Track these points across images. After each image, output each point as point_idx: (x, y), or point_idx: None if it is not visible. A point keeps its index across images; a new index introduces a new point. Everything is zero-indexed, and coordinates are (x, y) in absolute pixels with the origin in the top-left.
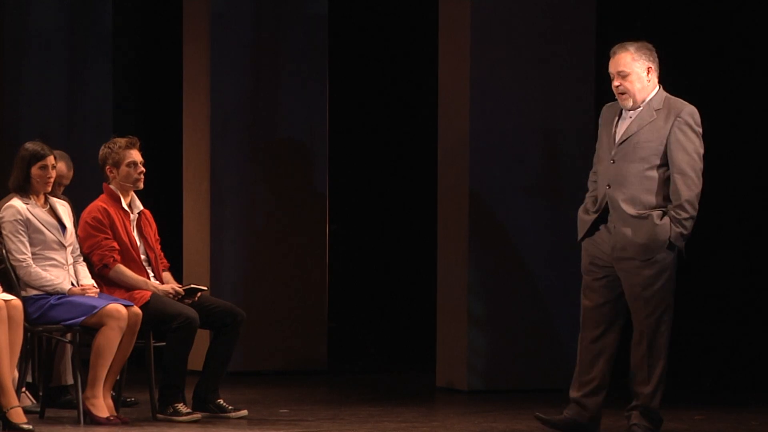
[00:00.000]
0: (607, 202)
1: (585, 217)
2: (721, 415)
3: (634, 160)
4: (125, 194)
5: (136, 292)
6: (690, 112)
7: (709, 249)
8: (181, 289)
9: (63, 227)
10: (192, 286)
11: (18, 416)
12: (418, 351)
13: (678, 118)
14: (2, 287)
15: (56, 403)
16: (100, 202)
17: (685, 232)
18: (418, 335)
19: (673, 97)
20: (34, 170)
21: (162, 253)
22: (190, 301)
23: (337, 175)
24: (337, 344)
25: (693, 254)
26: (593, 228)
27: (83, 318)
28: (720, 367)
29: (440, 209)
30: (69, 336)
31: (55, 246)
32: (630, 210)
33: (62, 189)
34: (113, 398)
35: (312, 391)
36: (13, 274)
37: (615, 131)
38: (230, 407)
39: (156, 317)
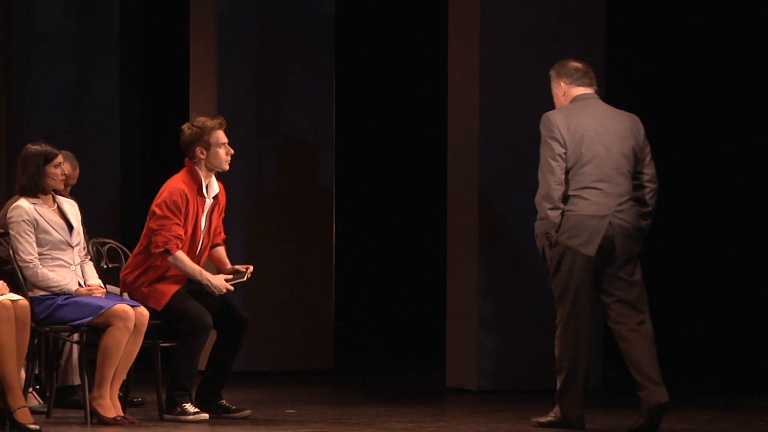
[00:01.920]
0: None
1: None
2: (727, 416)
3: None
4: (207, 176)
5: (159, 288)
6: (541, 119)
7: (715, 250)
8: (230, 287)
9: (70, 227)
10: (236, 276)
11: (25, 416)
12: (425, 351)
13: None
14: (9, 288)
15: (63, 403)
16: (182, 184)
17: (537, 232)
18: (426, 335)
19: (558, 108)
20: (50, 169)
21: (222, 227)
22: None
23: (344, 174)
24: (343, 344)
25: (698, 255)
26: None
27: (90, 318)
28: (726, 368)
29: (449, 209)
30: (76, 336)
31: (63, 246)
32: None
33: (69, 189)
34: (120, 398)
35: (318, 391)
36: (20, 275)
37: None
38: (233, 407)
39: (174, 315)
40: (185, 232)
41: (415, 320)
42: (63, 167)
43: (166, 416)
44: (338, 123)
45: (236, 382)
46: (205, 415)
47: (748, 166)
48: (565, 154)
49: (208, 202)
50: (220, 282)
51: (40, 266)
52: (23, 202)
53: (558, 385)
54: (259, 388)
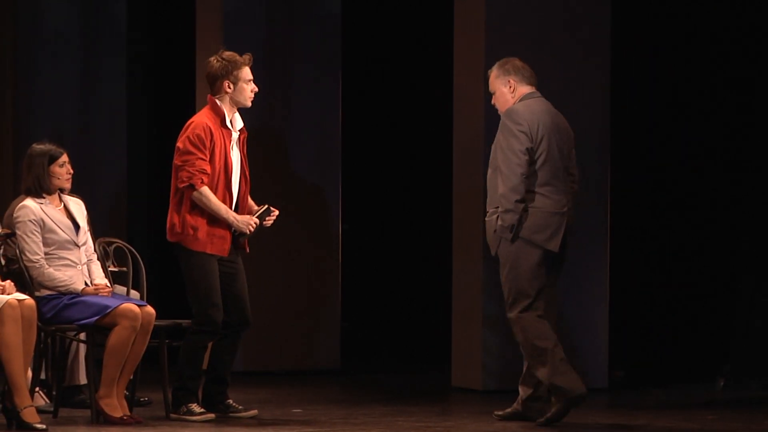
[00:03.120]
0: None
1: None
2: (734, 415)
3: (489, 166)
4: (231, 111)
5: (218, 233)
6: (507, 112)
7: (727, 250)
8: (256, 220)
9: (77, 227)
10: (263, 210)
11: (32, 416)
12: (431, 351)
13: (501, 120)
14: (16, 287)
15: (70, 402)
16: (204, 119)
17: (504, 225)
18: (432, 335)
19: (520, 102)
20: (55, 168)
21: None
22: (266, 224)
23: (350, 174)
24: (350, 344)
25: (707, 256)
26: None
27: (96, 318)
28: (733, 368)
29: (455, 209)
30: (82, 336)
31: (69, 246)
32: (488, 211)
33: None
34: (127, 398)
35: (325, 390)
36: (26, 275)
37: None
38: (240, 407)
39: (193, 292)
40: (215, 168)
41: (420, 320)
42: (68, 166)
43: (173, 416)
44: (344, 122)
45: (243, 382)
46: (212, 415)
47: (761, 162)
48: (530, 149)
49: (235, 135)
50: (246, 219)
51: (47, 266)
52: (29, 202)
53: (546, 371)
54: (265, 388)
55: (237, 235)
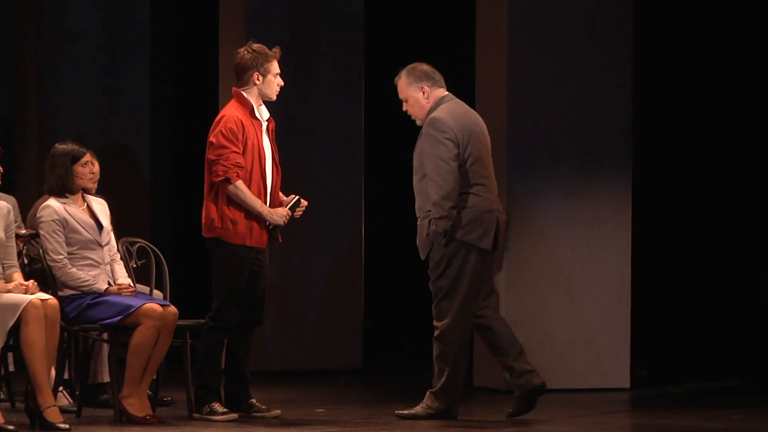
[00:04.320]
0: None
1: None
2: (759, 416)
3: (415, 173)
4: (257, 103)
5: (256, 226)
6: (431, 121)
7: (752, 249)
8: (289, 212)
9: (100, 226)
10: (294, 201)
11: (55, 415)
12: None
13: (424, 131)
14: (39, 287)
15: (93, 402)
16: (234, 112)
17: (438, 230)
18: None
19: (438, 109)
20: (78, 168)
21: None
22: (296, 215)
23: (373, 174)
24: (372, 343)
25: (731, 254)
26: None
27: (120, 317)
28: (756, 368)
29: None
30: (105, 335)
31: (92, 246)
32: (418, 216)
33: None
34: (150, 397)
35: (348, 390)
36: (49, 274)
37: None
38: (263, 407)
39: (219, 281)
40: (249, 160)
41: None
42: (91, 166)
43: (195, 415)
44: (367, 122)
45: (266, 382)
46: (234, 415)
47: None
48: (458, 155)
49: (264, 124)
50: (280, 212)
51: (70, 265)
52: (53, 202)
53: (442, 380)
54: (288, 388)
55: (271, 228)
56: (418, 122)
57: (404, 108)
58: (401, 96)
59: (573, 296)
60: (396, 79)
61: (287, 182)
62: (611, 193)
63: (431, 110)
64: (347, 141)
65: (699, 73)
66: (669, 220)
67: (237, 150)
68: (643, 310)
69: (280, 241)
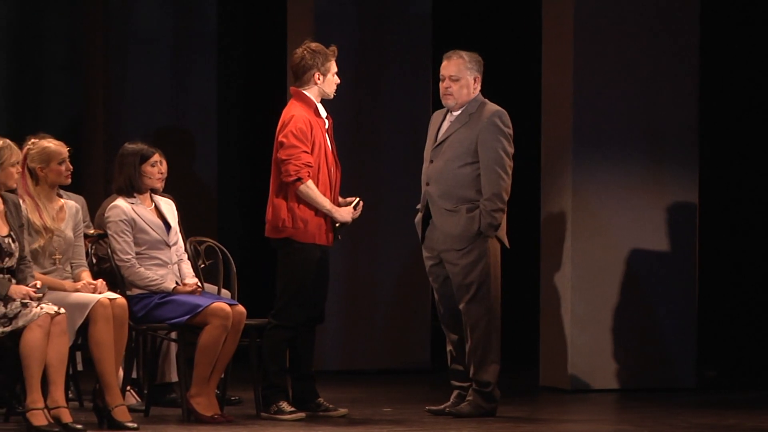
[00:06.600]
0: (427, 200)
1: (417, 218)
2: None
3: (449, 159)
4: (317, 101)
5: (326, 225)
6: (498, 114)
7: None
8: (353, 210)
9: (168, 226)
10: (355, 201)
11: (123, 414)
12: (519, 350)
13: (487, 120)
14: (108, 286)
15: (161, 401)
16: (301, 111)
17: (494, 223)
18: (520, 334)
19: (489, 102)
20: (147, 168)
21: None
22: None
23: None
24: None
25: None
26: (425, 225)
27: (188, 317)
28: None
29: (543, 207)
30: (173, 335)
31: (160, 245)
32: (446, 204)
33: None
34: (218, 397)
35: (415, 390)
36: (118, 274)
37: (438, 133)
38: (331, 406)
39: (288, 278)
40: (317, 159)
41: (509, 319)
42: (160, 166)
43: (263, 415)
44: None
45: (334, 381)
46: (302, 414)
47: None
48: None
49: (327, 124)
50: (346, 210)
51: (138, 265)
52: (121, 202)
53: (493, 376)
54: (356, 387)
55: (338, 226)
56: (450, 104)
57: (446, 85)
58: (453, 73)
59: (640, 295)
60: (450, 54)
61: (354, 182)
62: (678, 189)
63: (470, 103)
64: (415, 141)
65: (765, 70)
66: (737, 218)
67: (307, 149)
68: (711, 311)
69: (340, 239)
